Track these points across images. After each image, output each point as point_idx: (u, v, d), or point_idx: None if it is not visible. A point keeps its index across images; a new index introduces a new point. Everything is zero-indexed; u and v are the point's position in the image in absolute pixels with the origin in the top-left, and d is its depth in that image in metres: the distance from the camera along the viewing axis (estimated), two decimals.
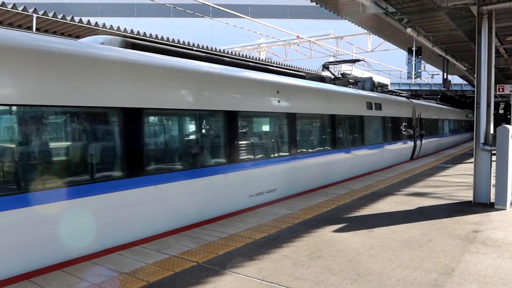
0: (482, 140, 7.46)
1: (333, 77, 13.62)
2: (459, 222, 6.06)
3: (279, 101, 8.15)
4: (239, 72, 7.56)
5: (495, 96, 18.49)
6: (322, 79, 11.93)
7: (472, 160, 8.07)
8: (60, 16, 9.04)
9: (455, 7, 9.52)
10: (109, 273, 4.13)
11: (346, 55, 22.28)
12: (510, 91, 19.59)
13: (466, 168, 12.62)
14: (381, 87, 16.11)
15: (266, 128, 8.32)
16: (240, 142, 7.16)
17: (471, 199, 7.61)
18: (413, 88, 34.47)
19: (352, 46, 22.34)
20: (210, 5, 10.06)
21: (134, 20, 41.36)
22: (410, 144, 16.15)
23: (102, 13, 42.70)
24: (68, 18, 9.17)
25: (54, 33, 9.81)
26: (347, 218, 6.39)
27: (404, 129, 15.28)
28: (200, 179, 6.30)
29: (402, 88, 31.89)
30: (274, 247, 4.93)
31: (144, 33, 11.20)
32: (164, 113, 6.07)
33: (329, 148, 10.12)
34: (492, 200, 7.22)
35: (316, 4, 10.54)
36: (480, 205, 7.28)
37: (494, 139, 7.15)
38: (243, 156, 7.26)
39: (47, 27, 9.54)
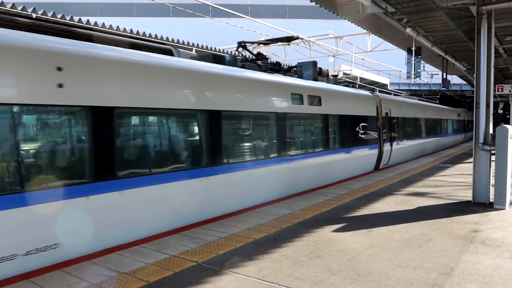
0: (481, 140, 7.47)
1: (251, 59, 9.58)
2: (458, 222, 6.07)
3: (61, 85, 4.64)
4: None
5: (495, 96, 18.54)
6: (218, 59, 7.88)
7: (471, 160, 8.08)
8: (59, 16, 9.03)
9: (455, 7, 9.54)
10: (108, 273, 4.13)
11: (345, 55, 22.28)
12: (509, 91, 19.61)
13: (465, 168, 12.63)
14: (334, 77, 12.56)
15: (22, 133, 4.53)
16: None
17: (470, 199, 7.62)
18: (412, 88, 34.52)
19: (351, 46, 22.34)
20: (209, 5, 10.06)
21: (134, 20, 41.32)
22: (373, 151, 12.71)
23: (102, 12, 42.68)
24: (68, 18, 9.17)
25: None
26: (347, 218, 6.40)
27: (362, 131, 11.86)
28: None
29: (401, 88, 31.95)
30: (273, 247, 4.93)
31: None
32: None
33: (203, 166, 6.41)
34: (491, 200, 7.22)
35: (316, 4, 10.55)
36: (479, 205, 7.29)
37: (493, 139, 7.16)
38: None
39: None
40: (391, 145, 14.10)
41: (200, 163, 6.45)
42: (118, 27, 10.37)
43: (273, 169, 8.04)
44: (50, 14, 8.81)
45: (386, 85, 24.32)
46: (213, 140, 6.64)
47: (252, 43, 10.10)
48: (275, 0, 46.17)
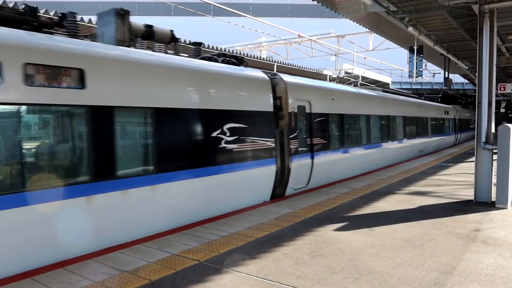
0: (483, 139, 7.46)
1: None
2: (460, 221, 6.07)
3: None
4: None
5: (497, 95, 18.48)
6: None
7: (473, 159, 8.07)
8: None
9: (457, 6, 9.50)
10: (110, 271, 4.15)
11: (347, 54, 22.26)
12: None
13: (467, 167, 12.60)
14: (196, 45, 8.27)
15: None
16: None
17: (472, 198, 7.61)
18: (414, 87, 34.47)
19: (353, 44, 22.32)
20: (211, 4, 10.06)
21: (135, 19, 41.31)
22: (262, 169, 7.71)
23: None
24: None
25: None
26: (348, 217, 6.40)
27: (230, 139, 6.96)
28: None
29: (403, 87, 31.91)
30: (275, 246, 4.94)
31: None
32: None
33: None
34: (493, 199, 7.22)
35: (318, 2, 10.54)
36: (481, 204, 7.28)
37: (495, 138, 7.15)
38: None
39: None
40: (312, 157, 9.15)
41: None
42: None
43: None
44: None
45: (388, 84, 24.29)
46: None
47: None
48: None
